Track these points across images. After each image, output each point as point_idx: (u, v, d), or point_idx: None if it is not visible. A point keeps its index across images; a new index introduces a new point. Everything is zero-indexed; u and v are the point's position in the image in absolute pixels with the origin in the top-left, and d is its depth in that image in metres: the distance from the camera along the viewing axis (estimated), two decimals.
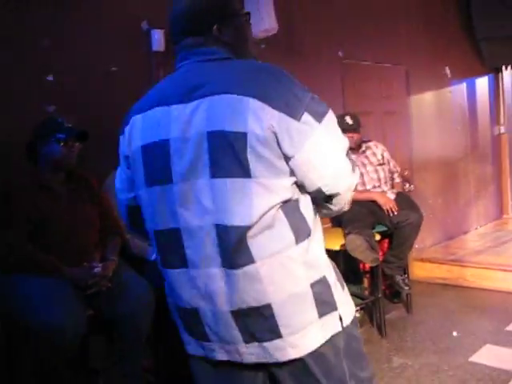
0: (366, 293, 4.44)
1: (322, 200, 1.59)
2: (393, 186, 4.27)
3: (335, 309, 1.58)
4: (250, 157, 1.44)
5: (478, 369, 3.41)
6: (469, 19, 6.18)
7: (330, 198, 1.57)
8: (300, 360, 1.55)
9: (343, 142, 1.53)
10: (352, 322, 1.67)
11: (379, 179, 4.15)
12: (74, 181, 2.75)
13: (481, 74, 6.81)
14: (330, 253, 3.73)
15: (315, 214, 1.61)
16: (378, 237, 3.87)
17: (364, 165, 4.15)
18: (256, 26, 3.60)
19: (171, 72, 1.64)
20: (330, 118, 1.50)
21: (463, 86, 6.46)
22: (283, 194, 1.48)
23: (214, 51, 1.56)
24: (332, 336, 1.57)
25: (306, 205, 1.56)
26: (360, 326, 4.19)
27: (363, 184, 4.10)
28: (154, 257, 2.96)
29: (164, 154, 1.53)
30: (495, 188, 7.01)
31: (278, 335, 1.52)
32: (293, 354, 1.54)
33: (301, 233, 1.52)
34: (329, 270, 1.62)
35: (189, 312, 1.62)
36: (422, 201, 5.09)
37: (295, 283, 1.52)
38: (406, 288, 4.22)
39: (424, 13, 5.60)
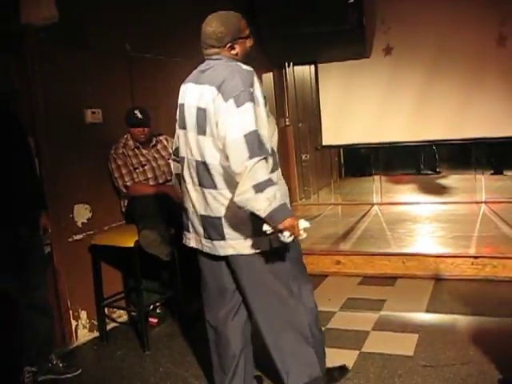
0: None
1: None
2: None
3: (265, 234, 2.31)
4: (207, 123, 2.37)
5: None
6: (255, 17, 6.42)
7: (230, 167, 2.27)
8: (237, 258, 2.47)
9: (246, 125, 2.23)
10: (285, 247, 2.45)
11: (171, 172, 4.11)
12: None
13: (267, 70, 7.13)
14: (124, 250, 3.70)
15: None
16: (173, 230, 3.86)
17: (155, 159, 4.10)
18: (34, 12, 3.33)
19: None
20: (247, 108, 2.25)
21: None
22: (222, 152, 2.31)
23: (219, 58, 2.46)
24: (261, 251, 2.44)
25: None
26: (162, 321, 4.17)
27: (155, 178, 4.05)
28: None
29: (183, 111, 2.55)
30: (284, 177, 7.38)
31: (223, 238, 2.45)
32: (230, 251, 2.46)
33: None
34: None
35: (186, 211, 2.62)
36: None
37: (239, 211, 2.32)
38: None
39: (213, 10, 5.68)
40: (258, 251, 2.45)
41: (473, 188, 7.05)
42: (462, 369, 3.13)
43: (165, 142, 4.23)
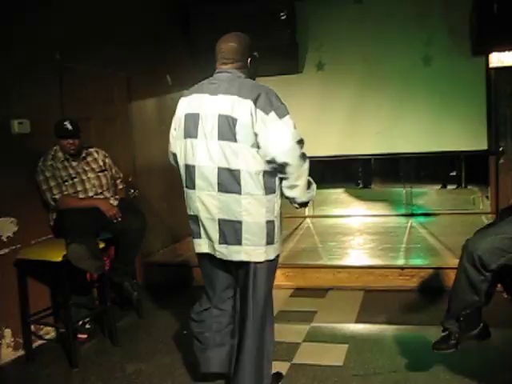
0: (97, 303, 4.33)
1: (279, 170, 2.58)
2: (116, 193, 4.21)
3: (274, 243, 2.69)
4: (240, 131, 2.52)
5: None
6: (189, 32, 6.43)
7: (283, 168, 2.55)
8: (247, 264, 2.66)
9: (295, 134, 2.55)
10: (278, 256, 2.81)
11: (101, 186, 4.06)
12: None
13: None
14: (52, 265, 3.61)
15: (279, 186, 2.66)
16: (102, 244, 3.79)
17: (85, 171, 4.01)
18: None
19: None
20: (288, 119, 2.55)
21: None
22: (260, 161, 2.55)
23: (236, 73, 2.68)
24: (269, 259, 2.69)
25: (277, 177, 2.63)
26: (92, 338, 4.08)
27: (85, 191, 3.96)
28: None
29: (194, 121, 2.64)
30: None
31: (239, 243, 2.61)
32: (244, 258, 2.64)
33: (269, 190, 2.61)
34: (277, 218, 2.69)
35: (196, 219, 2.73)
36: (147, 206, 5.15)
37: (258, 217, 2.60)
38: (135, 293, 4.20)
39: (146, 22, 5.66)
40: (267, 259, 2.69)
41: (401, 201, 7.27)
42: (389, 377, 3.21)
43: (95, 155, 4.15)
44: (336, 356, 3.53)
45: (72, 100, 4.43)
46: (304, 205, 2.83)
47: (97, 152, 4.18)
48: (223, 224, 2.63)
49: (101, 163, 4.14)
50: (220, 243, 2.67)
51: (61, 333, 4.11)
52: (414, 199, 7.22)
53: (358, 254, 5.47)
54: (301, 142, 2.58)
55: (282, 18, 5.94)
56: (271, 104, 2.53)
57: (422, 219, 6.80)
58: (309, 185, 2.72)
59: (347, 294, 4.72)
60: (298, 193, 2.66)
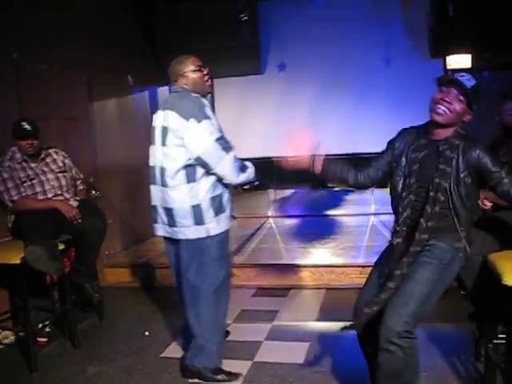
0: (57, 305, 4.28)
1: (201, 164, 3.05)
2: (76, 194, 4.17)
3: (204, 224, 3.11)
4: (168, 137, 3.06)
5: (169, 363, 3.58)
6: (151, 33, 6.41)
7: (204, 162, 3.03)
8: (185, 241, 3.16)
9: (213, 134, 3.01)
10: (220, 235, 3.18)
11: (61, 187, 4.01)
12: None
13: (162, 84, 7.09)
14: (10, 267, 3.54)
15: (205, 176, 3.09)
16: (61, 246, 3.75)
17: (44, 173, 3.96)
18: None
19: None
20: (206, 123, 2.99)
21: (145, 94, 6.70)
22: (182, 159, 3.03)
23: (175, 89, 3.19)
24: (199, 238, 3.13)
25: (198, 169, 3.07)
26: (52, 340, 4.04)
27: (44, 192, 3.91)
28: None
29: (153, 131, 3.19)
30: None
31: (175, 225, 3.15)
32: (180, 236, 3.16)
33: (190, 179, 3.07)
34: (204, 202, 3.09)
35: (154, 207, 3.27)
36: (109, 206, 5.11)
37: (183, 203, 3.09)
38: (96, 295, 4.18)
39: (107, 21, 5.62)
40: (198, 237, 3.14)
41: (363, 201, 7.36)
42: (348, 373, 3.26)
43: (54, 156, 4.09)
44: (297, 354, 3.58)
45: (31, 100, 4.38)
46: (246, 184, 3.31)
47: (56, 153, 4.12)
48: (166, 211, 3.19)
49: (60, 164, 4.09)
50: (168, 225, 3.22)
51: (20, 337, 4.04)
52: (375, 199, 7.33)
53: (319, 253, 5.53)
54: (219, 139, 3.04)
55: (244, 18, 5.96)
56: (190, 112, 3.01)
57: (383, 218, 6.90)
58: (243, 169, 3.15)
59: (309, 293, 4.78)
60: (229, 177, 3.10)
